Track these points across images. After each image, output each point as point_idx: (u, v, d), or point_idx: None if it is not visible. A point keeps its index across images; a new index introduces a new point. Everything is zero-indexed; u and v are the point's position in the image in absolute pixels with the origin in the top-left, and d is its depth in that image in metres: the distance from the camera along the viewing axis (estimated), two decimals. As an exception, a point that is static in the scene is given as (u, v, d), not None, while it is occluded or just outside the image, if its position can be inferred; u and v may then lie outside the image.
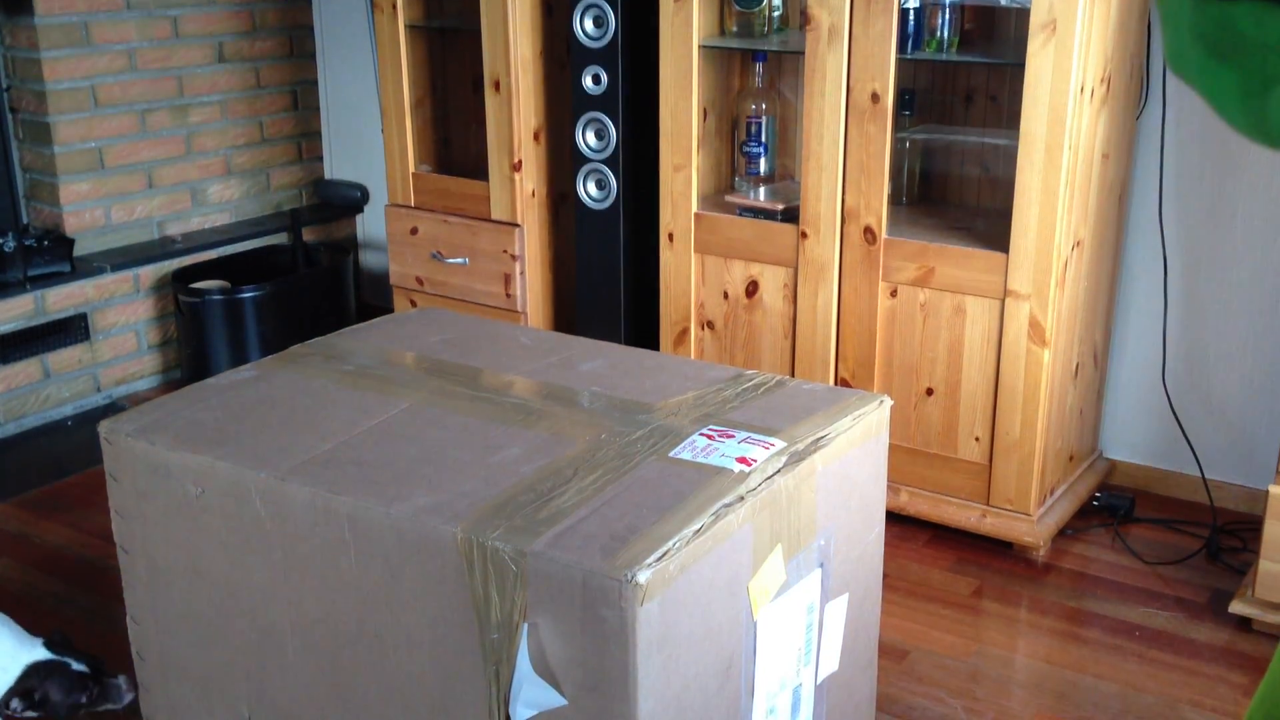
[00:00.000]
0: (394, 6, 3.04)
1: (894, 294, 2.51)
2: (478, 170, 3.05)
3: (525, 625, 1.35)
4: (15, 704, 1.74)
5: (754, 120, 2.78)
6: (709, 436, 1.57)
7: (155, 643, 1.75)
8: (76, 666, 1.80)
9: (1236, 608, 2.28)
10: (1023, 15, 2.34)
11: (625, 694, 1.32)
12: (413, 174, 3.13)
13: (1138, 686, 2.15)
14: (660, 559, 1.31)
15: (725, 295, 2.70)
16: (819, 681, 1.71)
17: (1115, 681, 2.16)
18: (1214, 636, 2.29)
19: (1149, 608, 2.38)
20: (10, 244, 3.22)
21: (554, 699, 1.35)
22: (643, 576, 1.28)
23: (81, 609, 2.39)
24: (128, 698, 1.84)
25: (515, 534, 1.36)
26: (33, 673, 1.76)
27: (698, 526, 1.37)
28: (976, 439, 2.50)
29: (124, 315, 3.42)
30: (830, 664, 1.73)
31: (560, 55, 2.95)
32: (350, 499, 1.46)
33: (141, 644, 1.77)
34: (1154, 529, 2.67)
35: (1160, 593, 2.43)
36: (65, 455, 3.10)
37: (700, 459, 1.51)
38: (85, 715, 1.88)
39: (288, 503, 1.51)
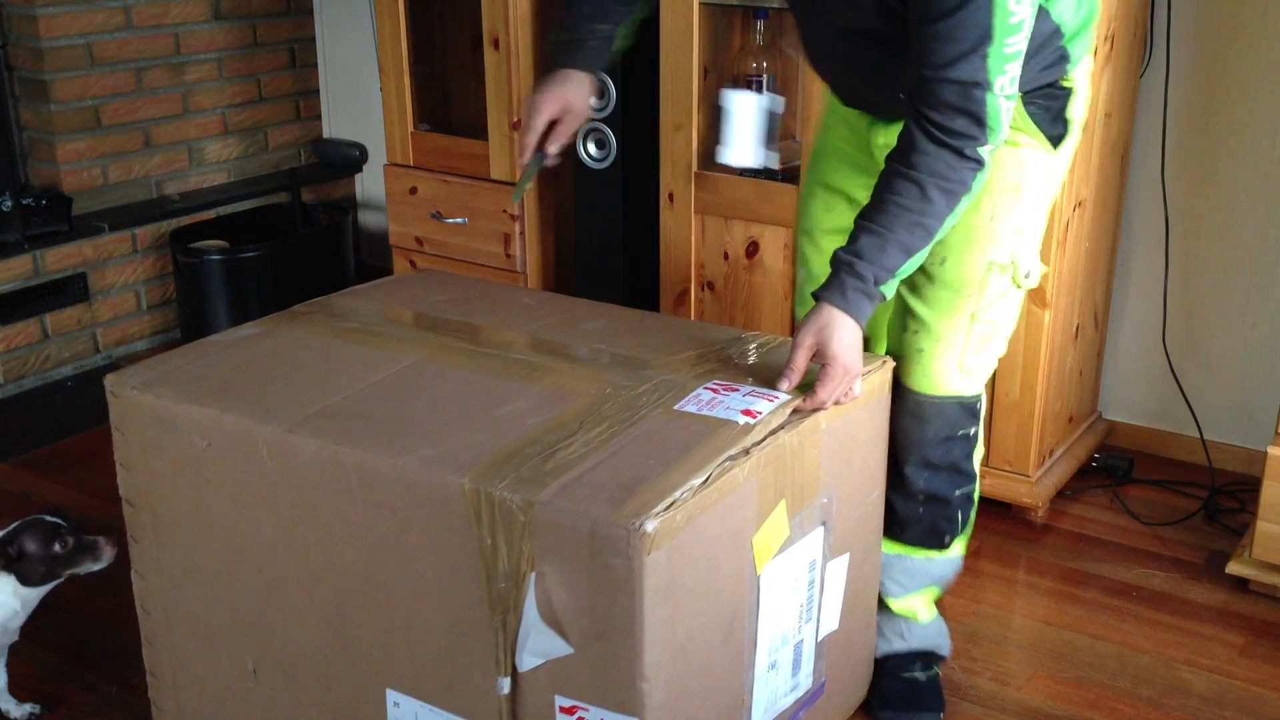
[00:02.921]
0: (393, -36, 3.02)
1: (895, 254, 2.50)
2: (477, 129, 3.03)
3: (532, 575, 1.36)
4: None
5: (755, 79, 2.77)
6: (714, 390, 1.58)
7: (160, 596, 1.76)
8: (50, 519, 1.86)
9: (1234, 568, 2.30)
10: (1027, -26, 2.33)
11: (631, 643, 1.33)
12: (412, 133, 3.11)
13: (1135, 646, 2.16)
14: (667, 509, 1.31)
15: (725, 256, 2.70)
16: (819, 639, 1.72)
17: (1112, 641, 2.18)
18: (1211, 597, 2.30)
19: (1146, 568, 2.40)
20: (8, 203, 3.20)
21: (561, 647, 1.36)
22: (650, 526, 1.29)
23: (83, 565, 2.39)
24: (107, 553, 1.89)
25: (522, 484, 1.36)
26: (9, 533, 1.84)
27: (704, 478, 1.38)
28: (976, 400, 2.50)
29: (123, 275, 3.41)
30: (831, 623, 1.74)
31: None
32: (357, 450, 1.47)
33: (146, 598, 1.78)
34: (1152, 490, 2.68)
35: (1158, 553, 2.45)
36: (66, 415, 3.10)
37: (705, 412, 1.52)
38: (70, 588, 1.92)
39: (295, 454, 1.51)
